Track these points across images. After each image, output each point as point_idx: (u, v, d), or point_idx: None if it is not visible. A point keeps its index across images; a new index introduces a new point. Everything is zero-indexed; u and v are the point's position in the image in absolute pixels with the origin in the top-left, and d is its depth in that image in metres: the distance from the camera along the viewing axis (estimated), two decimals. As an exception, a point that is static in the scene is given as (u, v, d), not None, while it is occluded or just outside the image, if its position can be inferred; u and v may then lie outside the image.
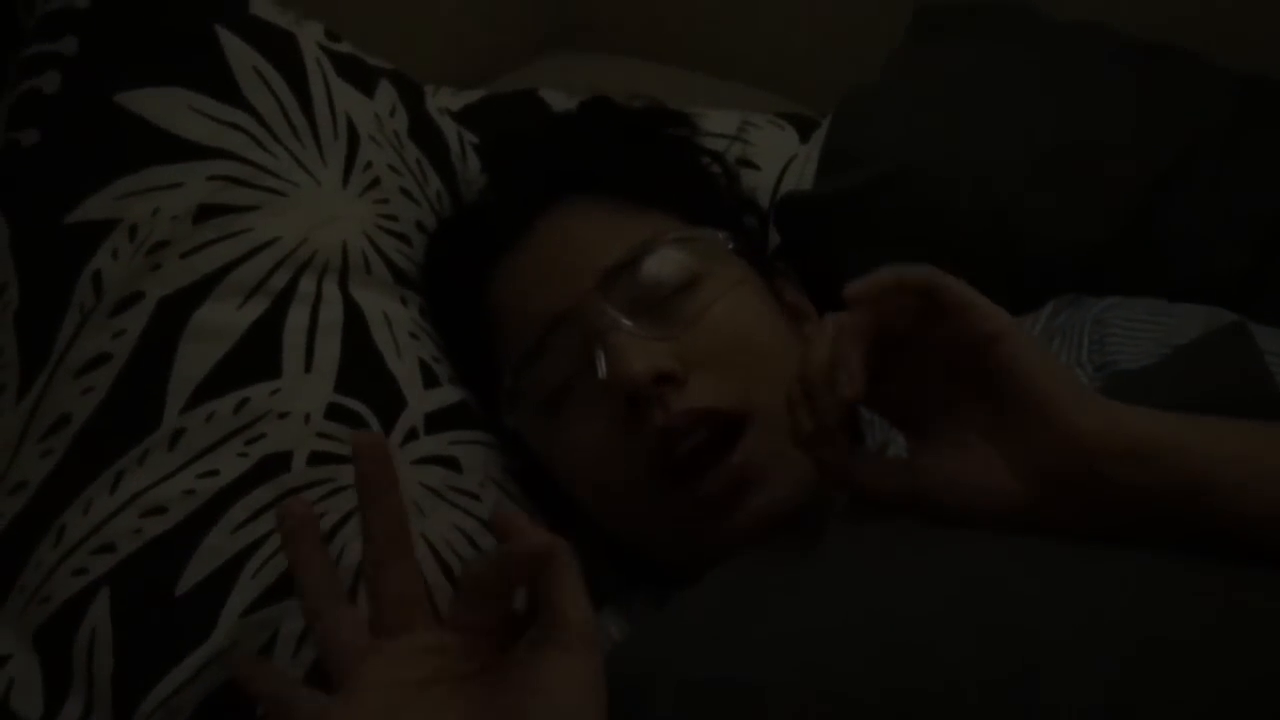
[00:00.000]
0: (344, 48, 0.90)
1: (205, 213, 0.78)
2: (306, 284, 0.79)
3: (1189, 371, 0.70)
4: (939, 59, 1.01)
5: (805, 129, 1.07)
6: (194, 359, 0.75)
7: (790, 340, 0.82)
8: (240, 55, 0.82)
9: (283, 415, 0.75)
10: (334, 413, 0.76)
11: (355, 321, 0.80)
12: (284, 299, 0.78)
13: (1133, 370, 0.75)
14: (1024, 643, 0.54)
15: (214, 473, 0.73)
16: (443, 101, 1.02)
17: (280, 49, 0.84)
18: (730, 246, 0.82)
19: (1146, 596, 0.56)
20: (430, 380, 0.82)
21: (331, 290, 0.80)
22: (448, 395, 0.82)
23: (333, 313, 0.79)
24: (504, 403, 0.81)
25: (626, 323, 0.75)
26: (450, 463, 0.80)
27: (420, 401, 0.80)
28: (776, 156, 1.04)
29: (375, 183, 0.85)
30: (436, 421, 0.80)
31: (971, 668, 0.53)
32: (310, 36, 0.87)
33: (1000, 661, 0.54)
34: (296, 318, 0.78)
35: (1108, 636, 0.54)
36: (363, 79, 0.90)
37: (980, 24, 1.02)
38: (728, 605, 0.63)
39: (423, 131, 0.93)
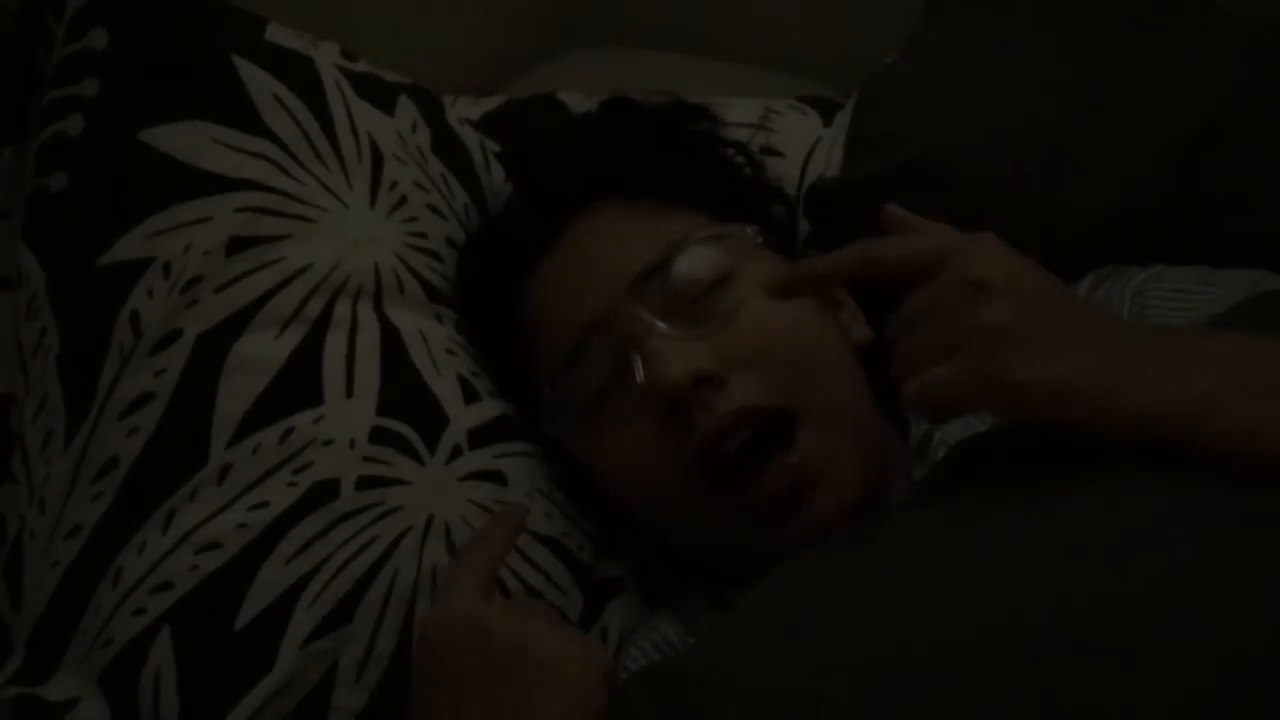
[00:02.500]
0: (361, 67, 0.90)
1: (236, 245, 0.78)
2: (342, 309, 0.79)
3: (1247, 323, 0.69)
4: (960, 33, 0.99)
5: (828, 112, 1.06)
6: (236, 392, 0.75)
7: (826, 329, 0.81)
8: (259, 83, 0.82)
9: (328, 442, 0.76)
10: (378, 436, 0.77)
11: (392, 343, 0.80)
12: (321, 326, 0.78)
13: None
14: (1095, 627, 0.54)
15: (264, 504, 0.74)
16: (463, 111, 1.02)
17: (298, 74, 0.84)
18: (760, 240, 0.81)
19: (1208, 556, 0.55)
20: (471, 396, 0.82)
21: (367, 313, 0.80)
22: (489, 409, 0.82)
23: (370, 336, 0.79)
24: (544, 413, 0.81)
25: (661, 325, 0.75)
26: (496, 477, 0.80)
27: (462, 418, 0.80)
28: (801, 142, 1.03)
29: (402, 201, 0.85)
30: (480, 436, 0.80)
31: (1037, 660, 0.53)
32: (327, 59, 0.87)
33: (1062, 654, 0.53)
34: (334, 344, 0.78)
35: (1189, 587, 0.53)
36: (382, 97, 0.89)
37: (999, -7, 1.01)
38: (788, 612, 0.63)
39: (445, 145, 0.92)
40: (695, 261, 0.78)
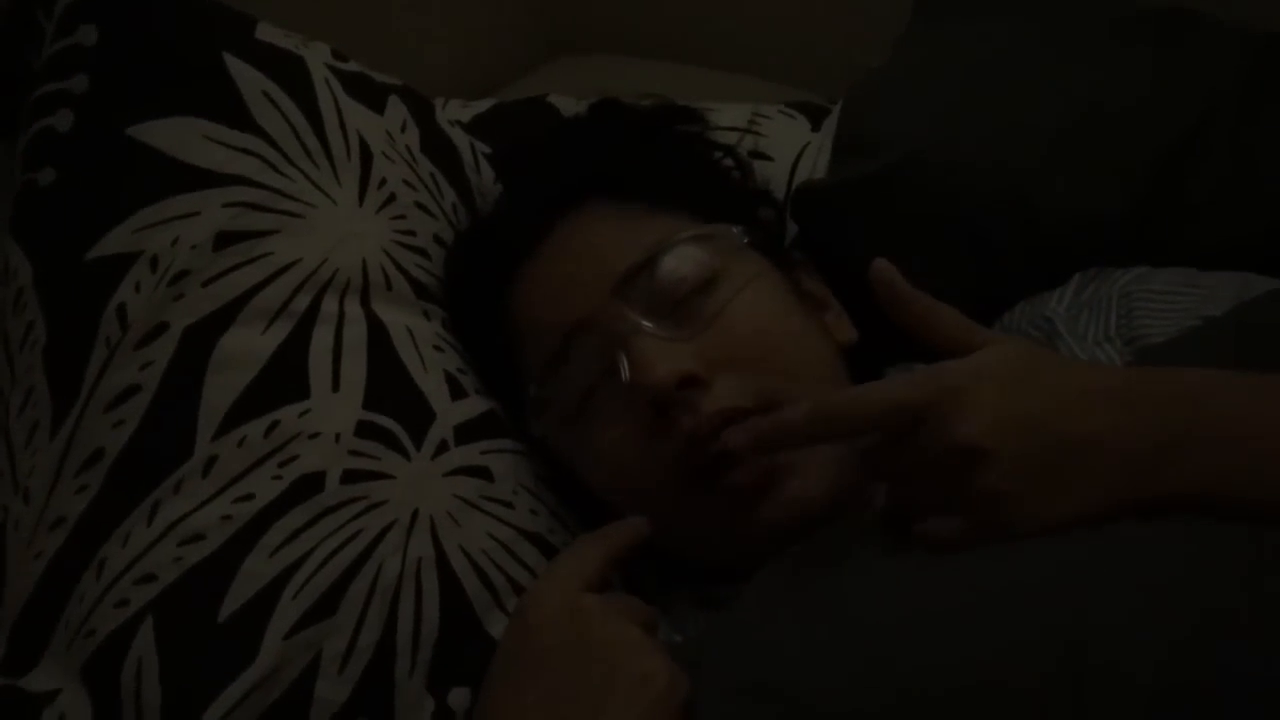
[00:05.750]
0: (351, 67, 0.91)
1: (224, 239, 0.78)
2: (329, 304, 0.79)
3: (1240, 341, 0.69)
4: (948, 38, 1.00)
5: (816, 117, 1.07)
6: (222, 386, 0.76)
7: (811, 330, 0.81)
8: (249, 81, 0.82)
9: (313, 436, 0.76)
10: (364, 430, 0.77)
11: (379, 338, 0.80)
12: (308, 320, 0.78)
13: (1160, 344, 0.74)
14: (1072, 626, 0.54)
15: (249, 497, 0.74)
16: (453, 113, 1.03)
17: (288, 72, 0.85)
18: (745, 240, 0.81)
19: (1199, 569, 0.55)
20: (457, 392, 0.82)
21: (354, 309, 0.80)
22: (475, 406, 0.82)
23: (356, 331, 0.80)
24: (529, 412, 0.81)
25: (647, 325, 0.75)
26: (482, 472, 0.80)
27: (448, 413, 0.80)
28: (789, 147, 1.03)
29: (391, 199, 0.85)
30: (466, 432, 0.80)
31: (1020, 657, 0.53)
32: (317, 58, 0.88)
33: (1049, 649, 0.53)
34: (321, 338, 0.78)
35: (1160, 613, 0.53)
36: (372, 96, 0.90)
37: (987, 0, 1.02)
38: (773, 608, 0.64)
39: (435, 145, 0.93)
40: (681, 261, 0.78)
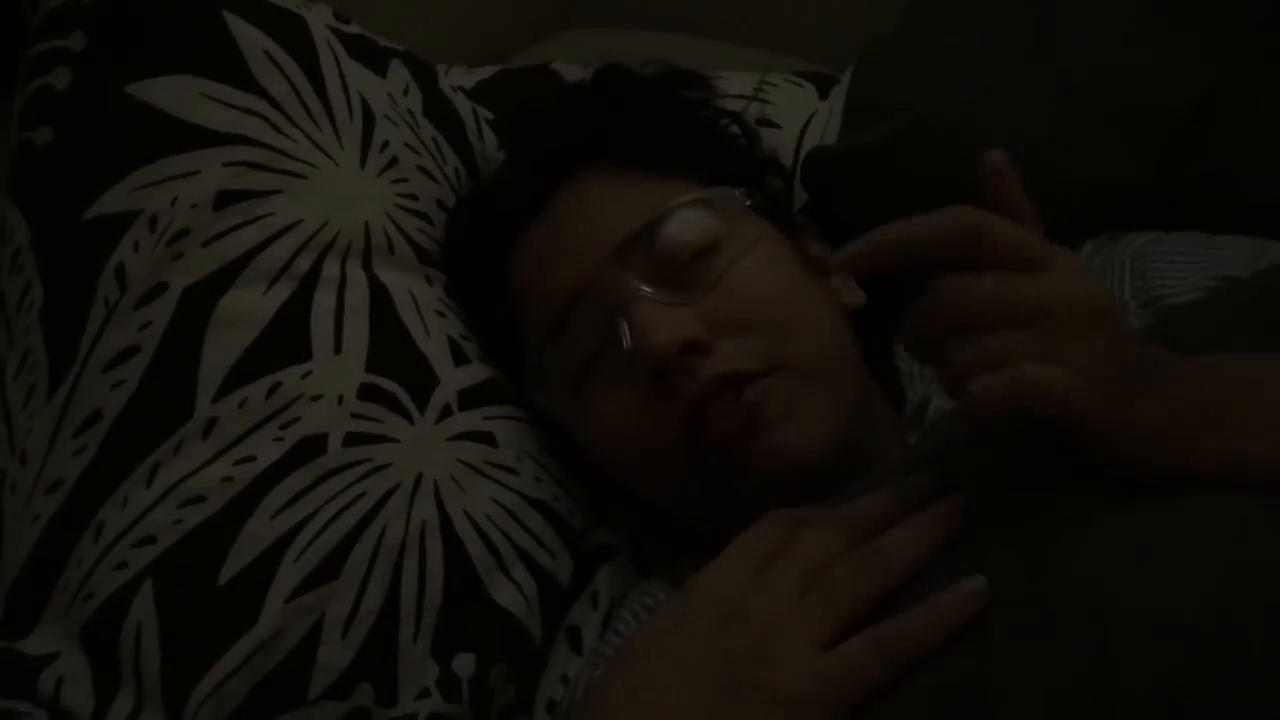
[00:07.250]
0: (353, 29, 0.89)
1: (225, 199, 0.77)
2: (331, 266, 0.78)
3: (1261, 302, 0.68)
4: (957, 3, 0.99)
5: (824, 86, 1.06)
6: (223, 346, 0.74)
7: (815, 294, 0.80)
8: (250, 40, 0.81)
9: (316, 398, 0.74)
10: (367, 393, 0.76)
11: (382, 302, 0.79)
12: (309, 282, 0.77)
13: (1183, 305, 0.73)
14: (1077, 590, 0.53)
15: (250, 459, 0.72)
16: (456, 79, 1.01)
17: (290, 32, 0.83)
18: (748, 204, 0.80)
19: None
20: (460, 358, 0.81)
21: (356, 272, 0.79)
22: (478, 372, 0.81)
23: (359, 294, 0.78)
24: (531, 379, 0.80)
25: (648, 290, 0.74)
26: (486, 438, 0.79)
27: (452, 379, 0.79)
28: (797, 114, 1.02)
29: (393, 162, 0.84)
30: (470, 398, 0.79)
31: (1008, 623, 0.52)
32: (319, 19, 0.86)
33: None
34: (323, 300, 0.77)
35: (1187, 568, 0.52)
36: (374, 59, 0.89)
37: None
38: None
39: (438, 109, 0.92)
40: (683, 225, 0.77)
